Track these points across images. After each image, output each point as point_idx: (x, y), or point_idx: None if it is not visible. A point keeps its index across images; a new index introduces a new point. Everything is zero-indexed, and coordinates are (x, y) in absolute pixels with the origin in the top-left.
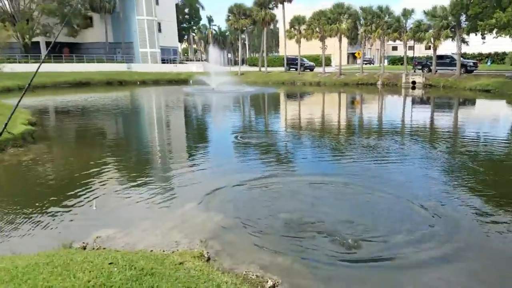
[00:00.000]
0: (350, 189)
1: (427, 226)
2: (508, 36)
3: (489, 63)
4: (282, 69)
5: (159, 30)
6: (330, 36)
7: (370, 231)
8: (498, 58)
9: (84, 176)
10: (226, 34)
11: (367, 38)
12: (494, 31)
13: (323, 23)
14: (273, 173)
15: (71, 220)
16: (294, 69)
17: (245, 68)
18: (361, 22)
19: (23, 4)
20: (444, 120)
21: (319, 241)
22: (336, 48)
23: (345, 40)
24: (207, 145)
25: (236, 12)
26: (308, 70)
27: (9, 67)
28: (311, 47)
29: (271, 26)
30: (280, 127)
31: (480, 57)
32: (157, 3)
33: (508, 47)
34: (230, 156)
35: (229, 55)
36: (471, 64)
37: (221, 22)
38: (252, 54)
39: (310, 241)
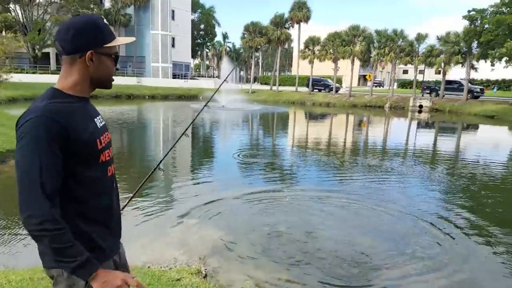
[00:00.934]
0: (353, 206)
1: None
2: None
3: (495, 90)
4: (293, 88)
5: (173, 45)
6: (343, 58)
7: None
8: (504, 85)
9: None
10: (240, 51)
11: (379, 61)
12: (504, 59)
13: (337, 45)
14: (276, 189)
15: None
16: (317, 90)
17: (257, 86)
18: (374, 45)
19: (36, 14)
20: (446, 143)
21: (318, 262)
22: (348, 69)
23: (357, 62)
24: (211, 161)
25: (252, 30)
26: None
27: (16, 78)
28: (323, 68)
29: (286, 45)
30: (286, 145)
31: (487, 84)
32: (173, 18)
33: None
34: (233, 172)
35: (241, 73)
36: (478, 90)
37: (235, 39)
38: (264, 73)
39: (309, 260)
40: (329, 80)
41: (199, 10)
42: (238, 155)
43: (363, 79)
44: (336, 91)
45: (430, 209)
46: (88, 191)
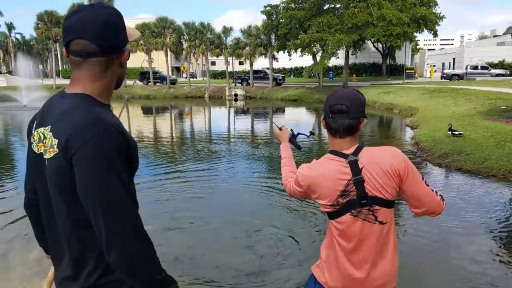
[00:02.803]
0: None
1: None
2: (309, 54)
3: (292, 77)
4: None
5: None
6: (156, 50)
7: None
8: (297, 72)
9: None
10: (32, 43)
11: (192, 53)
12: (299, 50)
13: (148, 36)
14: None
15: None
16: (159, 84)
17: (61, 81)
18: (185, 37)
19: None
20: (262, 125)
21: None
22: (161, 62)
23: (170, 54)
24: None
25: (47, 20)
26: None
27: None
28: (136, 60)
29: None
30: None
31: (285, 72)
32: None
33: (304, 62)
34: None
35: (40, 67)
36: (280, 77)
37: (24, 30)
38: (65, 66)
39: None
40: (164, 73)
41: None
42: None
43: (176, 70)
44: (173, 83)
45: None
46: None
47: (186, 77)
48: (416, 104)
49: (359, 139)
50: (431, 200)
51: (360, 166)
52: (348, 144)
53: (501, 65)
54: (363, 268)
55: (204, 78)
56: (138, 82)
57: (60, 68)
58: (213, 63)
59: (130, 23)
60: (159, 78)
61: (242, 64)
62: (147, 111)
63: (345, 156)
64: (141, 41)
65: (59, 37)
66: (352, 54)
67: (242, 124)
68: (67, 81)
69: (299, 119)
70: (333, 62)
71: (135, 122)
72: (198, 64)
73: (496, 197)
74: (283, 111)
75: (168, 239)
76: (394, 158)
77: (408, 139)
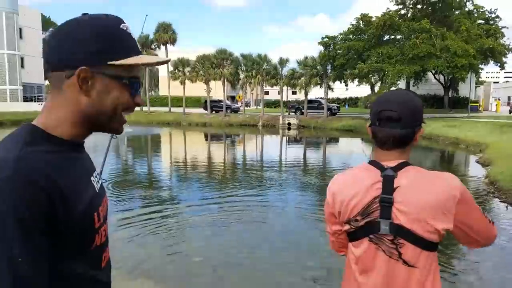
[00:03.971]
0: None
1: None
2: (367, 84)
3: (346, 107)
4: (165, 109)
5: (22, 66)
6: (214, 80)
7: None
8: (351, 102)
9: None
10: None
11: (248, 83)
12: (356, 80)
13: (207, 67)
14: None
15: None
16: (214, 111)
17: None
18: (242, 68)
19: None
20: (315, 154)
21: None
22: (218, 90)
23: (227, 84)
24: None
25: None
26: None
27: None
28: (194, 88)
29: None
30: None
31: (339, 102)
32: (20, 37)
33: (359, 93)
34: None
35: None
36: (335, 107)
37: None
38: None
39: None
40: (227, 101)
41: (50, 29)
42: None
43: (231, 99)
44: (236, 112)
45: None
46: None
47: (241, 106)
48: (485, 140)
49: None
50: (488, 231)
51: (395, 185)
52: (393, 157)
53: None
54: None
55: (258, 107)
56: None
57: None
58: (267, 93)
59: (190, 55)
60: (221, 107)
61: (295, 94)
62: (207, 137)
63: (382, 168)
64: (201, 72)
65: None
66: (414, 86)
67: (294, 152)
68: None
69: (355, 149)
70: None
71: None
72: (252, 93)
73: None
74: (337, 141)
75: None
76: (447, 187)
77: (480, 178)
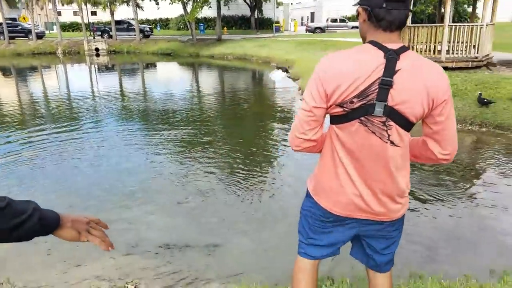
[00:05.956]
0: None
1: None
2: (179, 2)
3: (158, 29)
4: None
5: None
6: None
7: None
8: (162, 24)
9: None
10: None
11: (36, 1)
12: None
13: None
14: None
15: None
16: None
17: None
18: None
19: None
20: (133, 82)
21: None
22: None
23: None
24: None
25: None
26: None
27: None
28: None
29: None
30: None
31: (149, 23)
32: None
33: (171, 13)
34: None
35: None
36: (148, 29)
37: None
38: None
39: None
40: (25, 24)
41: None
42: None
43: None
44: (41, 38)
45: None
46: None
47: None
48: (291, 57)
49: None
50: (455, 143)
51: (397, 68)
52: (394, 40)
53: (355, 18)
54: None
55: (51, 32)
56: None
57: None
58: (59, 13)
59: None
60: (20, 31)
61: (95, 14)
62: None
63: (386, 50)
64: None
65: None
66: (225, 5)
67: (109, 81)
68: None
69: (173, 74)
70: (203, 13)
71: None
72: (40, 14)
73: None
74: (155, 66)
75: None
76: (442, 79)
77: (295, 88)
